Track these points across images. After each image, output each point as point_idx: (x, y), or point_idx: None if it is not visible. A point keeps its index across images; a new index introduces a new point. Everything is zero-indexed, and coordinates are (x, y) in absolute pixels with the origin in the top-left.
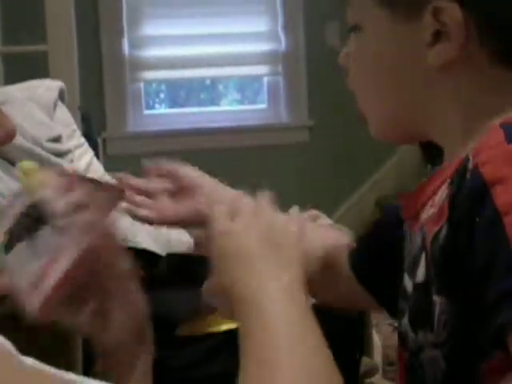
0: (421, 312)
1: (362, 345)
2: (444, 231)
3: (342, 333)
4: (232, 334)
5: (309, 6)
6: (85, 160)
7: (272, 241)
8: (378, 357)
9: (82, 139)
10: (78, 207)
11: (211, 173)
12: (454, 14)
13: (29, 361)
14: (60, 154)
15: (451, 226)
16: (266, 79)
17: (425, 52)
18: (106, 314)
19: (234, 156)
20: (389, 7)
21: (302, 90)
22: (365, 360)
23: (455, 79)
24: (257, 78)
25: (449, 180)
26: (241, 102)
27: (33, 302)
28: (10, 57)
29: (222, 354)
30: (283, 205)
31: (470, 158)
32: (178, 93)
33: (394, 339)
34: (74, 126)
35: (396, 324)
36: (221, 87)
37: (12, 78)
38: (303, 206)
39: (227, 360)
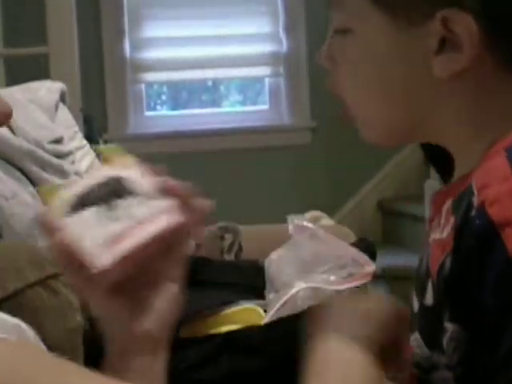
0: (432, 335)
1: None
2: (449, 263)
3: None
4: (232, 336)
5: (310, 7)
6: (86, 161)
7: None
8: None
9: (84, 141)
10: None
11: (213, 174)
12: (467, 25)
13: None
14: (61, 156)
15: (457, 261)
16: (267, 80)
17: (429, 59)
18: (146, 300)
19: (235, 157)
20: (390, 12)
21: (304, 91)
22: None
23: (462, 87)
24: (258, 80)
25: (452, 201)
26: (242, 104)
27: (105, 258)
28: (12, 59)
29: (223, 356)
30: (285, 206)
31: (475, 192)
32: (180, 94)
33: None
34: (76, 128)
35: None
36: (222, 88)
37: (13, 80)
38: (305, 207)
39: (228, 361)
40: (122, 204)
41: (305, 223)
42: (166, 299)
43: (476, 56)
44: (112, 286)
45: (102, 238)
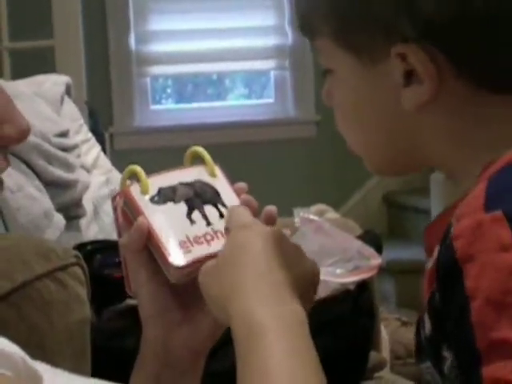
0: (437, 363)
1: (370, 338)
2: (436, 299)
3: (351, 327)
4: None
5: None
6: (92, 155)
7: (290, 262)
8: (385, 351)
9: (89, 134)
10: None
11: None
12: (419, 58)
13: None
14: (67, 149)
15: (440, 293)
16: (272, 74)
17: (399, 93)
18: (196, 310)
19: (240, 151)
20: (354, 52)
21: (309, 84)
22: (373, 354)
23: (435, 116)
24: (264, 73)
25: (443, 234)
26: (248, 97)
27: (180, 258)
28: (17, 52)
29: (231, 346)
30: (290, 199)
31: (453, 222)
32: (185, 88)
33: (402, 334)
34: (81, 121)
35: (404, 319)
36: (227, 82)
37: (19, 73)
38: (310, 201)
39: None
40: (202, 209)
41: (311, 216)
42: (212, 318)
43: (439, 86)
44: (172, 284)
45: (179, 237)
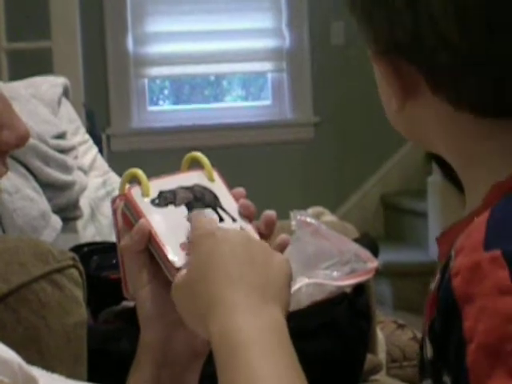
0: None
1: (366, 341)
2: (436, 326)
3: (348, 329)
4: None
5: (313, 2)
6: (89, 156)
7: (259, 264)
8: (382, 354)
9: (87, 136)
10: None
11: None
12: (383, 67)
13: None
14: (65, 151)
15: (439, 326)
16: (270, 76)
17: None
18: None
19: (238, 153)
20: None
21: (307, 86)
22: (369, 357)
23: (425, 124)
24: (261, 75)
25: (447, 258)
26: (245, 99)
27: (179, 260)
28: (15, 53)
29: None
30: (287, 201)
31: (452, 254)
32: (182, 89)
33: (398, 336)
34: (79, 123)
35: (400, 322)
36: (225, 84)
37: (16, 74)
38: (307, 203)
39: None
40: (209, 213)
41: (308, 219)
42: None
43: (413, 98)
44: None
45: (180, 239)
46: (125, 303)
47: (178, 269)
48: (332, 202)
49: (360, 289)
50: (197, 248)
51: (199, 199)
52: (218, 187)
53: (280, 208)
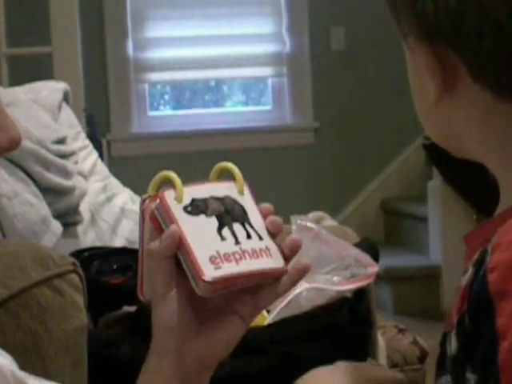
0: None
1: (367, 346)
2: (466, 321)
3: (348, 334)
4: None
5: (313, 7)
6: (89, 162)
7: None
8: (382, 359)
9: (87, 141)
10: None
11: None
12: (422, 54)
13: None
14: (65, 156)
15: (469, 320)
16: (270, 81)
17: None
18: (211, 326)
19: (238, 158)
20: (402, 36)
21: (307, 91)
22: (370, 361)
23: (460, 116)
24: (261, 80)
25: (480, 251)
26: (245, 104)
27: (210, 273)
28: (15, 59)
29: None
30: (288, 206)
31: (489, 250)
32: (183, 94)
33: (399, 341)
34: (79, 128)
35: (401, 326)
36: (225, 89)
37: (17, 79)
38: (308, 207)
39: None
40: (231, 226)
41: (308, 224)
42: (228, 333)
43: (452, 87)
44: (193, 297)
45: (210, 252)
46: (125, 308)
47: (207, 282)
48: (332, 207)
49: (360, 293)
50: None
51: (229, 212)
52: (247, 201)
53: (280, 212)
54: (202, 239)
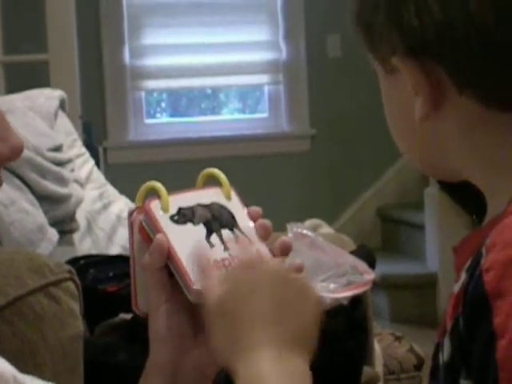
0: None
1: (364, 353)
2: (461, 324)
3: (345, 339)
4: None
5: (310, 15)
6: (85, 169)
7: (290, 307)
8: (379, 366)
9: (83, 148)
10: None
11: (210, 181)
12: (409, 71)
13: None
14: (61, 163)
15: (465, 322)
16: (266, 88)
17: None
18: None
19: (235, 165)
20: (379, 59)
21: (303, 99)
22: (366, 369)
23: (447, 131)
24: (258, 87)
25: (473, 256)
26: (242, 111)
27: (198, 282)
28: (11, 66)
29: None
30: (284, 213)
31: (483, 252)
32: (179, 102)
33: (395, 348)
34: (75, 136)
35: (397, 334)
36: (222, 96)
37: (13, 87)
38: (304, 215)
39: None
40: (220, 232)
41: (304, 231)
42: None
43: (440, 101)
44: (187, 307)
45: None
46: (121, 316)
47: (198, 290)
48: (329, 214)
49: (357, 301)
50: (238, 276)
51: (217, 218)
52: (235, 206)
53: (277, 220)
54: (191, 248)
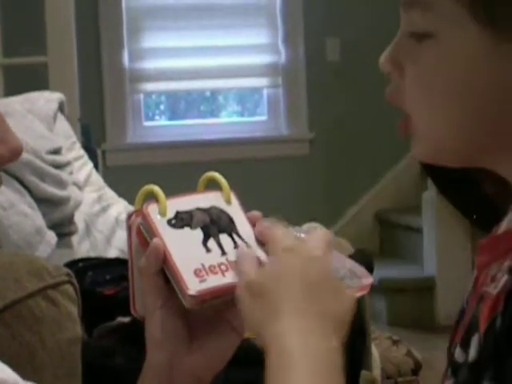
0: None
1: (361, 357)
2: (498, 324)
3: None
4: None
5: (309, 19)
6: (84, 172)
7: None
8: (376, 370)
9: (82, 151)
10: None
11: (211, 185)
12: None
13: None
14: (60, 166)
15: (506, 324)
16: (266, 91)
17: None
18: (203, 339)
19: (233, 168)
20: (490, 25)
21: (302, 102)
22: (363, 373)
23: None
24: (257, 90)
25: None
26: (241, 114)
27: (194, 286)
28: (11, 68)
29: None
30: (283, 217)
31: None
32: (178, 104)
33: (393, 352)
34: (74, 138)
35: (395, 337)
36: (221, 99)
37: (12, 89)
38: (302, 219)
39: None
40: (217, 237)
41: (302, 235)
42: (222, 345)
43: None
44: (183, 312)
45: (195, 264)
46: (119, 319)
47: (191, 295)
48: (327, 218)
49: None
50: (275, 259)
51: (215, 223)
52: (235, 210)
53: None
54: (187, 252)
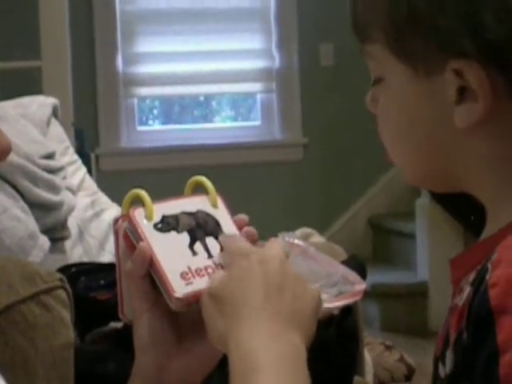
0: None
1: (354, 363)
2: (464, 336)
3: (335, 349)
4: (225, 355)
5: (303, 24)
6: (77, 177)
7: (290, 293)
8: (369, 376)
9: (75, 156)
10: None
11: (198, 189)
12: (476, 75)
13: None
14: (53, 171)
15: (469, 336)
16: (259, 96)
17: (451, 109)
18: (190, 342)
19: (227, 173)
20: (410, 63)
21: (296, 107)
22: (356, 379)
23: (485, 138)
24: (250, 95)
25: (477, 270)
26: (234, 119)
27: (181, 289)
28: (4, 72)
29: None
30: (275, 222)
31: (489, 267)
32: (172, 109)
33: (386, 358)
34: (67, 143)
35: (388, 343)
36: (214, 104)
37: (6, 94)
38: (296, 224)
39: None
40: (204, 240)
41: (295, 240)
42: (210, 348)
43: (494, 106)
44: (171, 315)
45: (181, 267)
46: (112, 324)
47: (178, 298)
48: (320, 224)
49: (347, 310)
50: (231, 268)
51: (201, 226)
52: (221, 214)
53: (268, 229)
54: (173, 256)
